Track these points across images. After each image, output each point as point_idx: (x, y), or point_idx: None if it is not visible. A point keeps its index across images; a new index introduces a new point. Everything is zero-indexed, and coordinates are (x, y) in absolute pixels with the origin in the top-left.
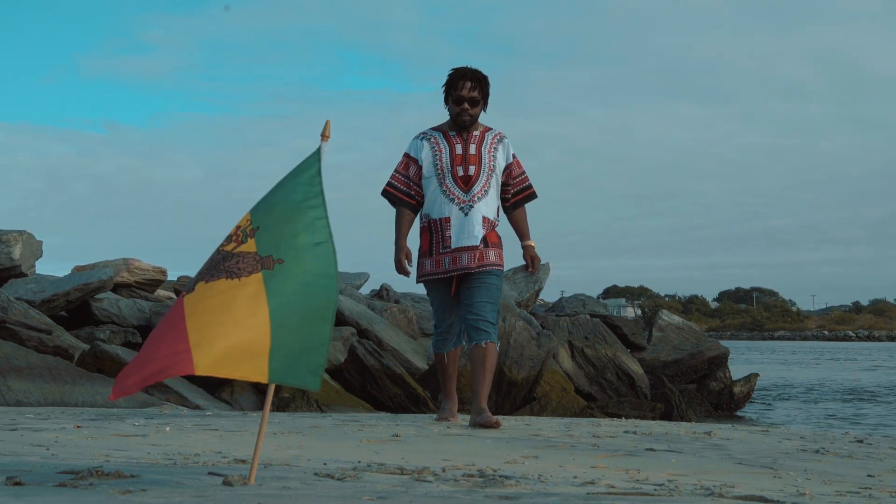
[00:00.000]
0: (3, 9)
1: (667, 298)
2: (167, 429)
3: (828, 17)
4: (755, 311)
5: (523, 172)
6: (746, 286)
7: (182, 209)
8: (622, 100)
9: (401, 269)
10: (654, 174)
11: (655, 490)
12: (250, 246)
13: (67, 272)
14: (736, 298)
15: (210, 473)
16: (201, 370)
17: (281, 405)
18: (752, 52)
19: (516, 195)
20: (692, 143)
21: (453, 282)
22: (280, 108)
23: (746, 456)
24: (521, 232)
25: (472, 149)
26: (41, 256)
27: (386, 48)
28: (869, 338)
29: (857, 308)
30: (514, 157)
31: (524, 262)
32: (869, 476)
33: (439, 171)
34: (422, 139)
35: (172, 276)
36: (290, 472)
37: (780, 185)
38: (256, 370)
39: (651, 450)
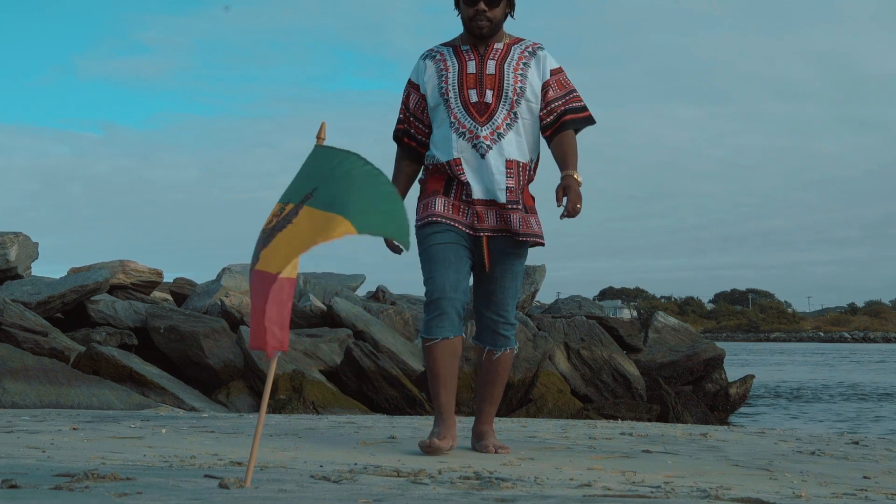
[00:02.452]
0: (0, 9)
1: (662, 300)
2: (163, 431)
3: (825, 18)
4: (751, 313)
5: (573, 91)
6: (742, 287)
7: (179, 210)
8: (619, 100)
9: (387, 242)
10: (651, 175)
11: (652, 492)
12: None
13: (63, 274)
14: (732, 300)
15: (206, 476)
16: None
17: (277, 407)
18: (750, 52)
19: (562, 116)
20: (689, 143)
21: (482, 245)
22: (277, 108)
23: (742, 458)
24: (565, 160)
25: (491, 67)
26: (37, 258)
27: (383, 48)
28: (864, 339)
29: (852, 310)
30: (553, 72)
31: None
32: (865, 478)
33: (445, 97)
34: (425, 58)
35: (168, 277)
36: (286, 474)
37: (777, 186)
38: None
39: (647, 451)
